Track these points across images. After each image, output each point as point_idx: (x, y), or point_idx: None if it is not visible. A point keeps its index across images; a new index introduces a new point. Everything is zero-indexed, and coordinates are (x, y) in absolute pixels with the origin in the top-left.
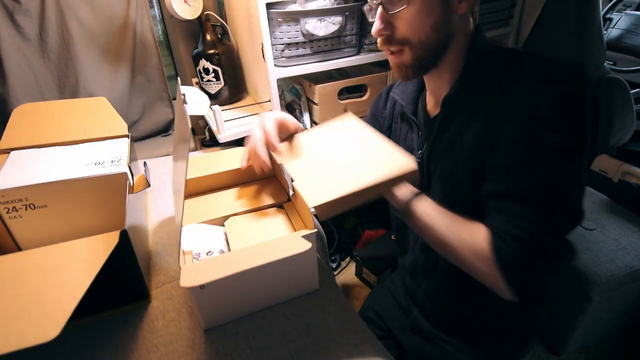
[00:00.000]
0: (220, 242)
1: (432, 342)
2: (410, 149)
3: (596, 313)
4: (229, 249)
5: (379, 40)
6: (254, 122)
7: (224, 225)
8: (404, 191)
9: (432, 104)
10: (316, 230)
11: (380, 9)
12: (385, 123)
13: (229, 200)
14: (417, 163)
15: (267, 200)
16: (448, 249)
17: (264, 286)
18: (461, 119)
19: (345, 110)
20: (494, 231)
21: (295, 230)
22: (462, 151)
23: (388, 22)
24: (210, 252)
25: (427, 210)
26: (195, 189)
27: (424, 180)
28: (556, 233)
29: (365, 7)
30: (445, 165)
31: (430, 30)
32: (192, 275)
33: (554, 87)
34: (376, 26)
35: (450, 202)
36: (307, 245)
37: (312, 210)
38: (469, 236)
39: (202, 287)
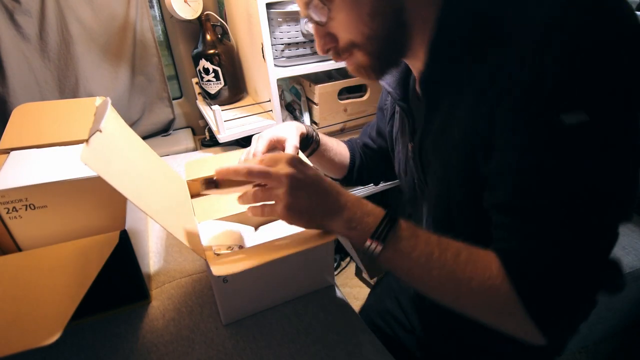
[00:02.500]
0: (238, 238)
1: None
2: (405, 143)
3: (596, 313)
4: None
5: (330, 55)
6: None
7: (239, 222)
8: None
9: (417, 85)
10: None
11: (313, 25)
12: (388, 113)
13: None
14: (412, 159)
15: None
16: (448, 296)
17: (283, 280)
18: (448, 100)
19: (345, 110)
20: (504, 258)
21: None
22: (453, 142)
23: (326, 34)
24: (230, 247)
25: (408, 248)
26: None
27: (420, 176)
28: (586, 253)
29: (306, 23)
30: (437, 158)
31: (369, 19)
32: (223, 266)
33: (564, 36)
34: (318, 44)
35: (445, 202)
36: (332, 236)
37: None
38: (474, 273)
39: (225, 280)
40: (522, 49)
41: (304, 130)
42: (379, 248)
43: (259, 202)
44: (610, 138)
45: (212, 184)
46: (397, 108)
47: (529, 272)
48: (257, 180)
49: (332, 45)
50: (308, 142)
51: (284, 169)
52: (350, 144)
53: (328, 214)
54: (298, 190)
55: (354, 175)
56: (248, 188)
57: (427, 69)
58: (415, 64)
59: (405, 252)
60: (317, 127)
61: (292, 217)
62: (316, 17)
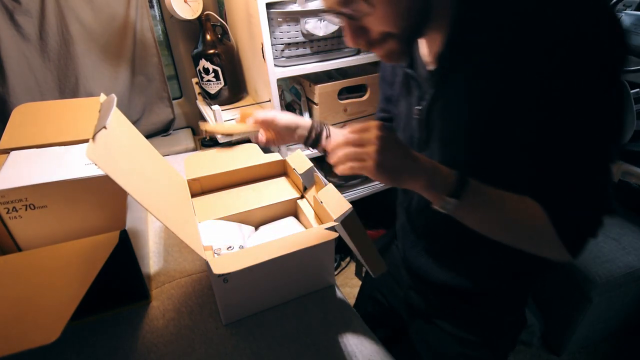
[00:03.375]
0: (239, 237)
1: (428, 318)
2: (409, 107)
3: (596, 313)
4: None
5: (361, 46)
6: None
7: (239, 222)
8: (442, 185)
9: (428, 56)
10: (337, 223)
11: (343, 20)
12: (388, 80)
13: (242, 197)
14: (416, 120)
15: (280, 197)
16: (507, 237)
17: (284, 280)
18: (463, 72)
19: (345, 110)
20: (545, 205)
21: (308, 227)
22: (466, 110)
23: (359, 27)
24: (230, 247)
25: (477, 203)
26: (208, 187)
27: (422, 140)
28: (602, 193)
29: (327, 17)
30: (446, 125)
31: (407, 12)
32: (223, 264)
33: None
34: (350, 37)
35: (446, 162)
36: (333, 235)
37: (336, 222)
38: (525, 218)
39: (225, 280)
40: (554, 37)
41: (306, 127)
42: (455, 203)
43: (350, 159)
44: (619, 105)
45: None
46: (398, 73)
47: (565, 213)
48: (352, 145)
49: (365, 39)
50: (317, 138)
51: (375, 133)
52: None
53: (411, 175)
54: (387, 151)
55: None
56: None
57: (445, 48)
58: (428, 39)
59: (475, 206)
60: None
61: (379, 173)
62: (354, 13)
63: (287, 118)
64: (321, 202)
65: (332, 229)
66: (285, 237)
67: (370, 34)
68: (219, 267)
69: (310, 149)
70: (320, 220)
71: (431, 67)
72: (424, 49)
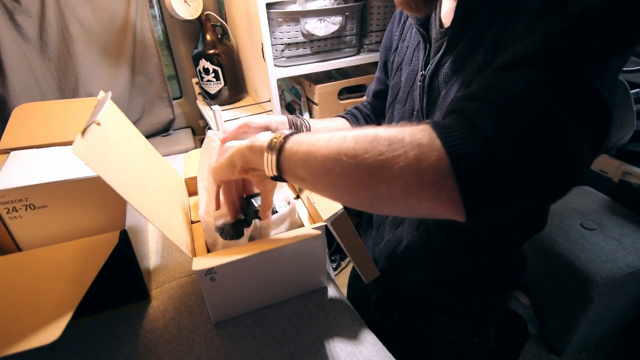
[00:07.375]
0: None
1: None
2: (414, 72)
3: (597, 313)
4: None
5: None
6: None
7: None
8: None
9: (447, 10)
10: (325, 223)
11: None
12: (393, 45)
13: None
14: (419, 87)
15: (275, 197)
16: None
17: (273, 279)
18: (479, 26)
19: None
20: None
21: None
22: (474, 70)
23: None
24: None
25: (304, 142)
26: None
27: (422, 111)
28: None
29: None
30: (451, 89)
31: None
32: (204, 261)
33: None
34: None
35: None
36: (317, 232)
37: (328, 222)
38: (393, 140)
39: (212, 279)
40: None
41: (284, 122)
42: (274, 157)
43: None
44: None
45: None
46: (406, 38)
47: (482, 126)
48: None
49: None
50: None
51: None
52: (350, 115)
53: (241, 160)
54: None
55: None
56: None
57: None
58: None
59: (303, 145)
60: None
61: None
62: None
63: (260, 122)
64: (313, 203)
65: (320, 227)
66: (277, 237)
67: None
68: (200, 263)
69: None
70: (313, 220)
71: (448, 23)
72: (447, 6)
